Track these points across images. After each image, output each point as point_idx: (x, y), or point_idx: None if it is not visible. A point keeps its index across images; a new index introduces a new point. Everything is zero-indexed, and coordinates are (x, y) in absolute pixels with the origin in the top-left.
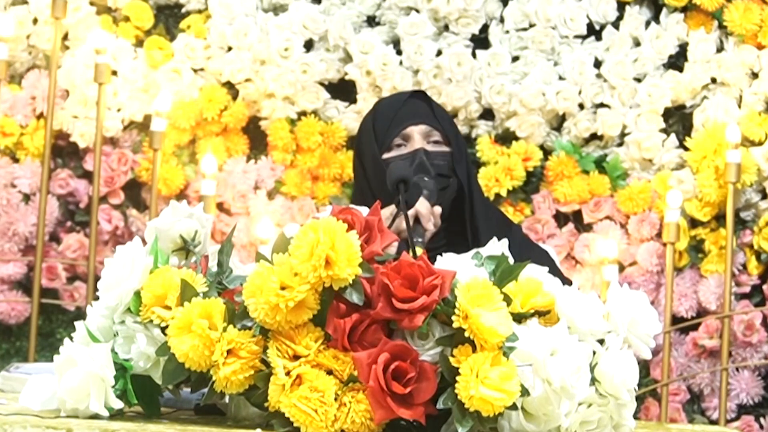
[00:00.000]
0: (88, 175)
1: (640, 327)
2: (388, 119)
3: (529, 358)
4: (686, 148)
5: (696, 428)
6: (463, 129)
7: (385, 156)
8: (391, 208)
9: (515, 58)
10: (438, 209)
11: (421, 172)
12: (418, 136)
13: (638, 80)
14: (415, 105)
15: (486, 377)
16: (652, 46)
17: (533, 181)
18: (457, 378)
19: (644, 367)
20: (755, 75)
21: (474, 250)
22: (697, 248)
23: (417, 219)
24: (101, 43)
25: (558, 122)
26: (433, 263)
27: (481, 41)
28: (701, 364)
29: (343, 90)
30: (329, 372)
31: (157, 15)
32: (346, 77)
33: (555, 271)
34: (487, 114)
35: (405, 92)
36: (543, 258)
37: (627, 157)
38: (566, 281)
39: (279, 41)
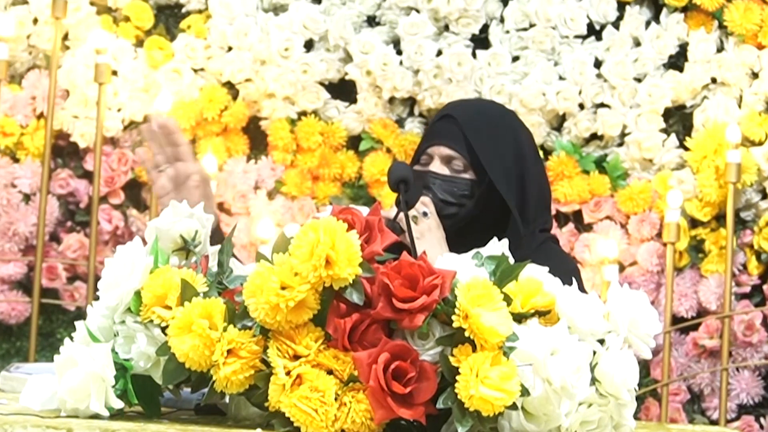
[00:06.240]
0: (88, 175)
1: (641, 327)
2: (424, 134)
3: (529, 357)
4: (686, 148)
5: (696, 428)
6: None
7: (415, 168)
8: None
9: (515, 58)
10: (426, 199)
11: (423, 191)
12: (437, 159)
13: (638, 80)
14: (445, 125)
15: (486, 377)
16: (652, 46)
17: None
18: (457, 378)
19: (644, 367)
20: (755, 75)
21: (474, 250)
22: (697, 248)
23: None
24: (101, 43)
25: (558, 122)
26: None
27: (481, 41)
28: (701, 364)
29: (343, 90)
30: (329, 372)
31: (157, 15)
32: (347, 77)
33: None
34: None
35: (447, 106)
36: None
37: (627, 157)
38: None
39: (279, 41)
